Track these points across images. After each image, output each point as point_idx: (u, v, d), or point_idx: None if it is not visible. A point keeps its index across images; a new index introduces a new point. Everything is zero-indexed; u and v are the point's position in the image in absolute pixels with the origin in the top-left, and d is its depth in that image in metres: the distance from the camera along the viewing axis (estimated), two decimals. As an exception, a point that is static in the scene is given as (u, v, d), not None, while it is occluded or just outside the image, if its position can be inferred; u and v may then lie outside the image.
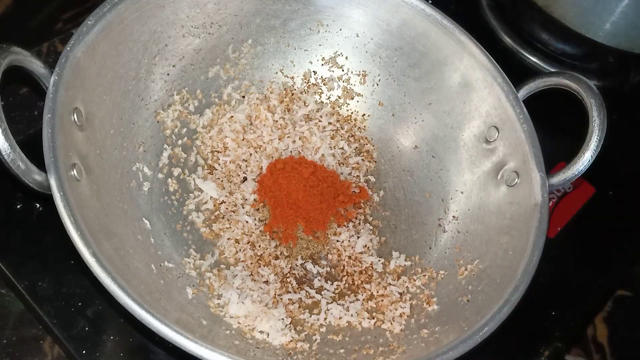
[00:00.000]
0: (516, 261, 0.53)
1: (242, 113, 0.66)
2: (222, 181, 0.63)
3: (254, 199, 0.62)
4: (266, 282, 0.58)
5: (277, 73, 0.69)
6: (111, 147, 0.57)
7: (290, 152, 0.66)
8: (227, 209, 0.61)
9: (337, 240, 0.62)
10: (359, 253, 0.61)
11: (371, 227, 0.64)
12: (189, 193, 0.62)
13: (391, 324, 0.56)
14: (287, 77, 0.69)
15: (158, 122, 0.62)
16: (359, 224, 0.64)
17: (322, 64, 0.69)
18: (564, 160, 0.58)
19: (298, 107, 0.69)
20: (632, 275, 0.72)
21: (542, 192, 0.56)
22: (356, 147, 0.68)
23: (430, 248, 0.63)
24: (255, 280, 0.57)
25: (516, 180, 0.59)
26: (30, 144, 0.48)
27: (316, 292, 0.58)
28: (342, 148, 0.68)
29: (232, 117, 0.66)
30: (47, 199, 0.47)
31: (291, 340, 0.53)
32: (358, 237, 0.62)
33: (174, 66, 0.63)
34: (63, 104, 0.50)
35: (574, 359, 0.66)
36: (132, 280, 0.47)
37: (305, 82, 0.70)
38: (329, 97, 0.70)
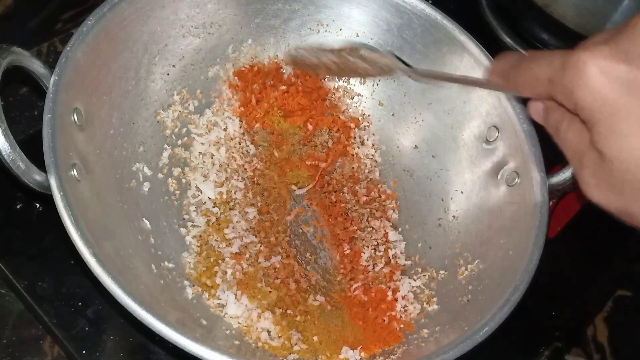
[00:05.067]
0: (516, 261, 0.53)
1: (242, 113, 0.66)
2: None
3: (254, 199, 0.62)
4: (266, 282, 0.58)
5: (277, 73, 0.69)
6: (111, 147, 0.56)
7: (290, 152, 0.66)
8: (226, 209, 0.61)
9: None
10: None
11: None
12: (189, 193, 0.62)
13: (391, 324, 0.56)
14: (287, 77, 0.69)
15: (158, 122, 0.62)
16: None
17: (322, 64, 0.69)
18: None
19: (298, 107, 0.69)
20: (632, 275, 0.71)
21: (542, 192, 0.56)
22: (356, 147, 0.68)
23: (430, 248, 0.63)
24: (255, 280, 0.57)
25: (516, 180, 0.59)
26: (30, 144, 0.48)
27: (316, 293, 0.58)
28: (342, 148, 0.68)
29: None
30: (47, 199, 0.47)
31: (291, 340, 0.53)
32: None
33: (174, 66, 0.63)
34: (63, 104, 0.50)
35: (574, 359, 0.66)
36: (132, 280, 0.47)
37: (306, 82, 0.70)
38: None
